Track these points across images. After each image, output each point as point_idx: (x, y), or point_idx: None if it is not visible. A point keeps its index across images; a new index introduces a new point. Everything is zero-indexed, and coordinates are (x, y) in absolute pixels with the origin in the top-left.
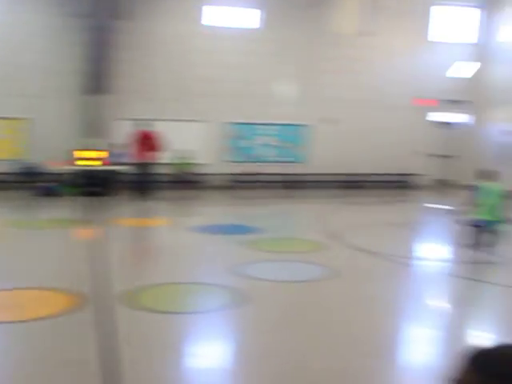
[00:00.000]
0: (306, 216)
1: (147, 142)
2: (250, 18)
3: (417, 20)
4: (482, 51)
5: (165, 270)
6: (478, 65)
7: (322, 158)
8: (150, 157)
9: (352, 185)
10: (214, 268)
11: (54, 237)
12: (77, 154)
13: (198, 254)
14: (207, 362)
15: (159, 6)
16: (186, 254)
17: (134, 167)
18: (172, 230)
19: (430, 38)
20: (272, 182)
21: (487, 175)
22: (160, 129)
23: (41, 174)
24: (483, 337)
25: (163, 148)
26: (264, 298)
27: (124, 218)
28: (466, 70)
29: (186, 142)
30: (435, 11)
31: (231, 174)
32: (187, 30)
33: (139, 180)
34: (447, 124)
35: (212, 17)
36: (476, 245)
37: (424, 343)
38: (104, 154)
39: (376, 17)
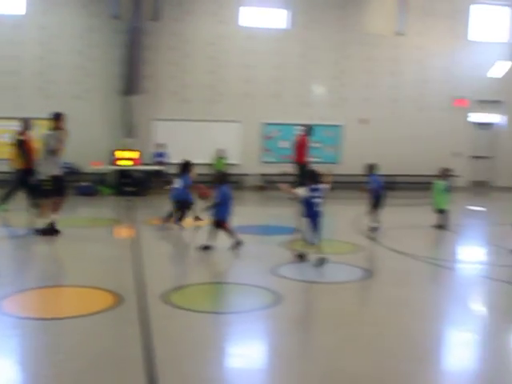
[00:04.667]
0: (338, 217)
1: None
2: (279, 18)
3: (456, 19)
4: None
5: (204, 270)
6: (509, 64)
7: (353, 158)
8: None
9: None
10: (254, 269)
11: (92, 235)
12: (116, 154)
13: (238, 254)
14: (243, 362)
15: (193, 7)
16: (225, 255)
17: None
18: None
19: (469, 38)
20: None
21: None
22: (195, 130)
23: (80, 174)
24: None
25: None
26: (298, 299)
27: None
28: (500, 69)
29: (222, 142)
30: (473, 10)
31: (265, 175)
32: (222, 31)
33: None
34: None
35: (248, 17)
36: None
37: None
38: (136, 155)
39: (412, 17)
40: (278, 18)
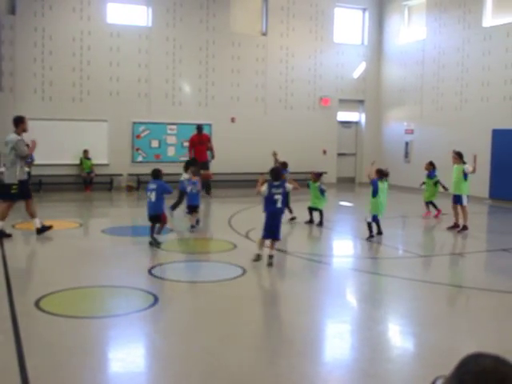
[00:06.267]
0: (215, 215)
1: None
2: (142, 16)
3: (320, 21)
4: (373, 52)
5: (79, 273)
6: (364, 65)
7: (223, 157)
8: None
9: None
10: (130, 270)
11: None
12: None
13: (110, 256)
14: (124, 366)
15: (55, 1)
16: (97, 257)
17: None
18: (83, 233)
19: (333, 39)
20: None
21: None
22: (60, 129)
23: None
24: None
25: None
26: (175, 299)
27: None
28: (360, 70)
29: (89, 142)
30: (337, 13)
31: (137, 175)
32: (87, 27)
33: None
34: None
35: (113, 14)
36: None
37: None
38: None
39: (276, 18)
40: (141, 16)
